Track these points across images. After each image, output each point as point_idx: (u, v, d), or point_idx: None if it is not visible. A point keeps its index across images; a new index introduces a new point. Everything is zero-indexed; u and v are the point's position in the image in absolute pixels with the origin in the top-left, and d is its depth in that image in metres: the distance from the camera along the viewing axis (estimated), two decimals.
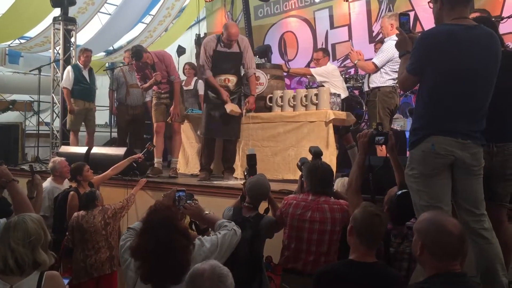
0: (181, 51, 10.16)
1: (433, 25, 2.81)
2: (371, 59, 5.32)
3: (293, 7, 9.95)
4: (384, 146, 3.10)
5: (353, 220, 2.35)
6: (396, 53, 4.80)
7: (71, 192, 4.55)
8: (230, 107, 5.26)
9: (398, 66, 4.62)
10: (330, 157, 4.87)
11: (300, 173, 3.44)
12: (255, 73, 5.47)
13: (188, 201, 2.85)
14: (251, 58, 5.46)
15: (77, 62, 7.31)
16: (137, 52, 5.54)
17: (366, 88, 5.44)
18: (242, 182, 3.67)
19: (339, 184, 3.59)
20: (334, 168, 4.73)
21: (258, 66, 5.90)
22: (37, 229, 2.39)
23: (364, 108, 6.21)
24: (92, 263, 4.11)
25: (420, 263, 2.10)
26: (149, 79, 5.67)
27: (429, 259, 1.99)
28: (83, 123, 7.28)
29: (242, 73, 5.55)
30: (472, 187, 2.62)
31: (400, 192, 2.78)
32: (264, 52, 7.35)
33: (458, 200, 2.65)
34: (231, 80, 5.38)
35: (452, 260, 1.97)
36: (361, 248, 2.28)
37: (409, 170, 2.68)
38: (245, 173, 3.57)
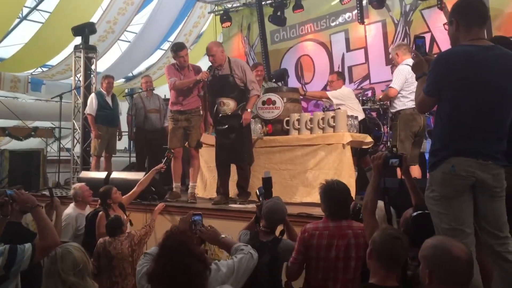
0: None
1: (450, 46, 2.80)
2: (390, 80, 5.40)
3: (309, 31, 10.01)
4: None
5: (372, 243, 2.29)
6: (408, 75, 4.90)
7: (100, 212, 4.55)
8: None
9: (412, 87, 4.71)
10: (348, 180, 4.81)
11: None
12: (257, 94, 5.41)
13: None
14: (251, 82, 5.34)
15: (100, 89, 7.45)
16: (177, 44, 5.63)
17: (390, 114, 5.58)
18: (256, 204, 3.62)
19: None
20: (353, 191, 4.68)
21: (275, 90, 5.93)
22: (83, 257, 2.41)
23: (382, 129, 6.19)
24: None
25: None
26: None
27: (438, 287, 1.93)
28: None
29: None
30: (494, 209, 2.56)
31: (415, 213, 2.73)
32: (281, 75, 7.38)
33: (481, 222, 2.58)
34: (226, 103, 5.25)
35: (462, 286, 1.91)
36: (381, 271, 2.23)
37: (429, 192, 2.63)
38: (258, 193, 3.50)
